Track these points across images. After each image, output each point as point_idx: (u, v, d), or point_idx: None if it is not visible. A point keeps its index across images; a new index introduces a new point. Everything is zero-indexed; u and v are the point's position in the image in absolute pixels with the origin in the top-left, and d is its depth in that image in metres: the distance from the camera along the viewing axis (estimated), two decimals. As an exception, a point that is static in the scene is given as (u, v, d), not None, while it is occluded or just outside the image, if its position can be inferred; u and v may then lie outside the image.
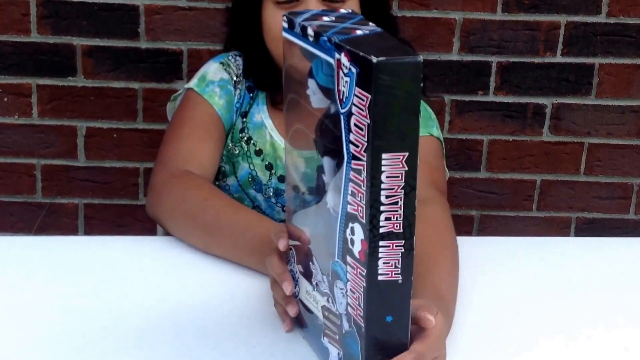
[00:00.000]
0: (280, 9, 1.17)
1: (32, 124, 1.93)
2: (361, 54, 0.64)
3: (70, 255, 1.07)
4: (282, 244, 0.87)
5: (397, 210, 0.66)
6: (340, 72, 0.67)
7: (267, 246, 0.93)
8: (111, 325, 0.91)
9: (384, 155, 0.65)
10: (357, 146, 0.66)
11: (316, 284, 0.81)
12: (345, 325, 0.75)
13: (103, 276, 1.02)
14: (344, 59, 0.66)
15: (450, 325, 0.90)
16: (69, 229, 1.98)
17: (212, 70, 1.27)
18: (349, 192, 0.69)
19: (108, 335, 0.89)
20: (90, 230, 1.99)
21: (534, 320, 0.96)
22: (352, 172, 0.68)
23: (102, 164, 1.96)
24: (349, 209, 0.69)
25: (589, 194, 2.03)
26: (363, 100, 0.64)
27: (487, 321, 0.96)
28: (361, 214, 0.68)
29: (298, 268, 0.86)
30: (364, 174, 0.66)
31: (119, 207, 1.99)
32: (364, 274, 0.69)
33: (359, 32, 0.70)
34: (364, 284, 0.69)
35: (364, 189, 0.66)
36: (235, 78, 1.28)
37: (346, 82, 0.66)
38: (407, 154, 0.65)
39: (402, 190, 0.66)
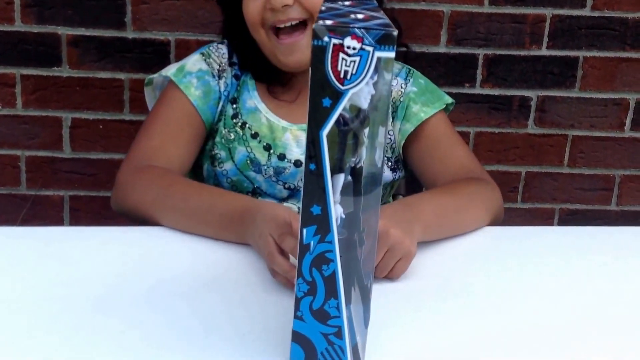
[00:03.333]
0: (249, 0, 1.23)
1: (16, 114, 1.90)
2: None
3: (55, 245, 1.07)
4: (288, 245, 0.93)
5: None
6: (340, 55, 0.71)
7: (236, 218, 1.02)
8: (98, 315, 0.91)
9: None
10: None
11: None
12: None
13: (89, 266, 1.02)
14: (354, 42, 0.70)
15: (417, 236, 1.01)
16: (54, 221, 1.96)
17: (192, 61, 1.30)
18: None
19: (95, 325, 0.89)
20: (75, 222, 1.98)
21: (520, 309, 0.98)
22: None
23: (88, 155, 1.94)
24: None
25: (572, 185, 2.06)
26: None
27: (473, 309, 0.97)
28: None
29: None
30: None
31: (105, 199, 1.96)
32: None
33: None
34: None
35: None
36: (218, 67, 1.29)
37: (352, 61, 0.71)
38: None
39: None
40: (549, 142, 2.02)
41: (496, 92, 1.97)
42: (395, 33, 0.71)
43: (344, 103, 0.72)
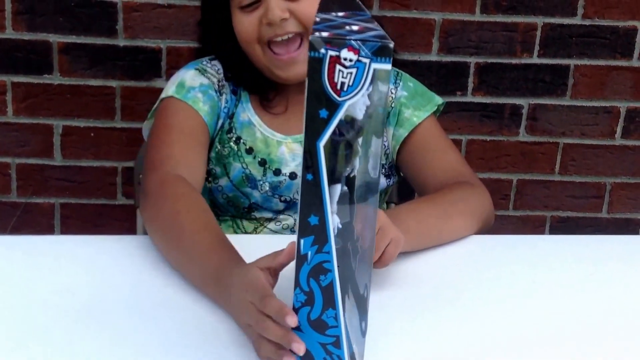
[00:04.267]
0: (244, 14, 1.21)
1: (7, 122, 1.89)
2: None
3: (45, 254, 1.06)
4: (291, 321, 0.79)
5: None
6: (337, 66, 0.71)
7: (222, 282, 0.91)
8: (90, 324, 0.90)
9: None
10: None
11: None
12: None
13: (80, 275, 1.01)
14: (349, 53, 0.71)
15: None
16: (45, 229, 1.95)
17: (190, 76, 1.26)
18: None
19: (85, 334, 0.88)
20: (66, 230, 1.96)
21: (514, 318, 0.98)
22: None
23: (79, 163, 1.93)
24: None
25: (564, 193, 2.06)
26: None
27: (468, 318, 0.97)
28: None
29: None
30: None
31: (96, 207, 1.96)
32: None
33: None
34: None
35: None
36: (218, 82, 1.27)
37: (349, 73, 0.71)
38: None
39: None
40: (540, 150, 2.03)
41: (488, 100, 1.98)
42: (392, 45, 0.71)
43: (341, 114, 0.72)
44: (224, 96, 1.27)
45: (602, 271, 1.11)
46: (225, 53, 1.27)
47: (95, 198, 1.96)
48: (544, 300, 1.02)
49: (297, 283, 0.78)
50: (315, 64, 0.71)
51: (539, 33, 1.93)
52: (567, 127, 2.01)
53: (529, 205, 2.07)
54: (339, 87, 0.72)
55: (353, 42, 0.71)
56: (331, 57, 0.71)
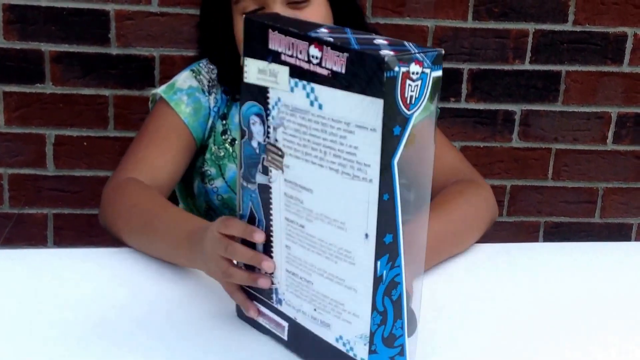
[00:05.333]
0: None
1: (-1, 132, 1.88)
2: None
3: (37, 267, 1.05)
4: (259, 237, 0.85)
5: None
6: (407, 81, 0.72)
7: (194, 241, 0.93)
8: (83, 337, 0.90)
9: None
10: None
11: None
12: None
13: (71, 289, 1.00)
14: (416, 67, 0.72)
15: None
16: (38, 240, 1.94)
17: (182, 78, 1.29)
18: None
19: (77, 347, 0.88)
20: (60, 241, 1.95)
21: (511, 326, 0.97)
22: None
23: (72, 172, 1.92)
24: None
25: (557, 198, 2.07)
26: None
27: (463, 327, 0.96)
28: None
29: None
30: None
31: (90, 217, 1.95)
32: None
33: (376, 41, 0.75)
34: None
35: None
36: (208, 83, 1.28)
37: (416, 86, 0.72)
38: None
39: None
40: (533, 156, 2.04)
41: (481, 106, 1.98)
42: (443, 52, 0.73)
43: (410, 127, 0.73)
44: (212, 95, 1.28)
45: (600, 279, 1.11)
46: (222, 57, 1.27)
47: (89, 208, 1.94)
48: (545, 309, 1.01)
49: (373, 307, 0.76)
50: (389, 83, 0.71)
51: (530, 39, 1.95)
52: (560, 133, 2.02)
53: (522, 211, 2.07)
54: (408, 101, 0.72)
55: (418, 55, 0.71)
56: (403, 73, 0.71)
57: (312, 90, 0.77)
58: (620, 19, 1.95)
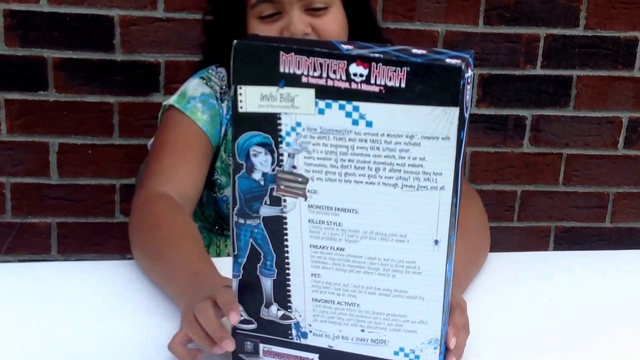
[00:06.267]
0: (264, 24, 1.19)
1: (1, 140, 1.84)
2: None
3: (40, 280, 1.04)
4: (234, 318, 0.80)
5: None
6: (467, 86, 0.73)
7: (190, 292, 0.88)
8: (88, 352, 0.89)
9: None
10: None
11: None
12: None
13: (75, 301, 1.00)
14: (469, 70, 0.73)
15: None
16: (41, 249, 1.90)
17: (192, 86, 1.25)
18: None
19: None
20: (63, 250, 1.91)
21: (523, 334, 0.97)
22: None
23: (76, 181, 1.88)
24: None
25: (567, 203, 2.05)
26: None
27: (479, 336, 0.94)
28: None
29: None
30: None
31: (94, 226, 1.91)
32: None
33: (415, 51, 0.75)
34: None
35: None
36: (220, 90, 1.26)
37: (468, 89, 0.73)
38: None
39: None
40: (544, 161, 2.02)
41: (492, 111, 1.96)
42: (473, 52, 0.75)
43: (466, 129, 0.74)
44: (225, 102, 1.25)
45: (612, 286, 1.10)
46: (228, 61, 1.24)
47: (93, 216, 1.91)
48: (560, 318, 1.01)
49: (443, 310, 0.79)
50: (462, 91, 0.71)
51: (541, 44, 1.92)
52: (571, 138, 2.00)
53: (533, 217, 2.06)
54: (465, 105, 0.73)
55: (470, 59, 0.72)
56: (467, 79, 0.72)
57: (356, 108, 0.74)
58: (632, 23, 1.93)
